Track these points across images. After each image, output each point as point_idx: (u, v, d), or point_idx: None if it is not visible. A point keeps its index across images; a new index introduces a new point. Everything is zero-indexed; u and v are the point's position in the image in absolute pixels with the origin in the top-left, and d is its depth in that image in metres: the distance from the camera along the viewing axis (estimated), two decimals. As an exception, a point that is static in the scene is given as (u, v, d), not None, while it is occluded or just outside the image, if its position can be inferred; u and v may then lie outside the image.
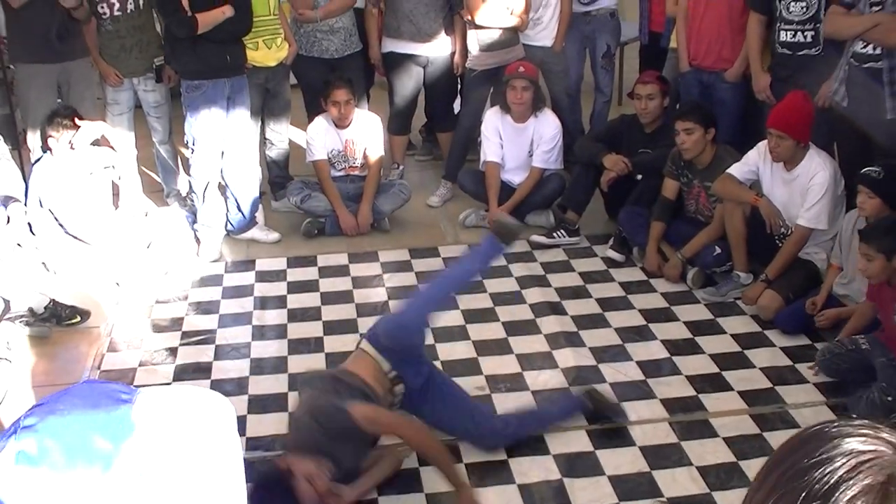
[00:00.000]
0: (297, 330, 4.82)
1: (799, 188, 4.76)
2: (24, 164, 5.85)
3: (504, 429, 3.83)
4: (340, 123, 5.88)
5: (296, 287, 5.28)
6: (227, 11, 5.30)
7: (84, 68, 5.81)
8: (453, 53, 6.39)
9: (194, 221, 5.78)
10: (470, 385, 4.22)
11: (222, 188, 5.83)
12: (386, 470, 3.63)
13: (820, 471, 0.87)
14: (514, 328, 4.77)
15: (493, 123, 5.98)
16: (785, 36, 5.14)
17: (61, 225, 5.21)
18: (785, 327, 4.64)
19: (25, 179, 5.34)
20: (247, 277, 5.43)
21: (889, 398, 3.80)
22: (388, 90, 6.66)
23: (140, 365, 4.53)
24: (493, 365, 4.44)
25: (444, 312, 4.83)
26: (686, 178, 5.29)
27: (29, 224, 5.23)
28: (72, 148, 5.16)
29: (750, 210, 4.90)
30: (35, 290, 4.85)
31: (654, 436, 3.89)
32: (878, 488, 0.85)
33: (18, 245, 5.19)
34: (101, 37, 5.75)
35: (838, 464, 0.87)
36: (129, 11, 5.68)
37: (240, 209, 5.80)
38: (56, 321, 4.80)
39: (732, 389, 4.21)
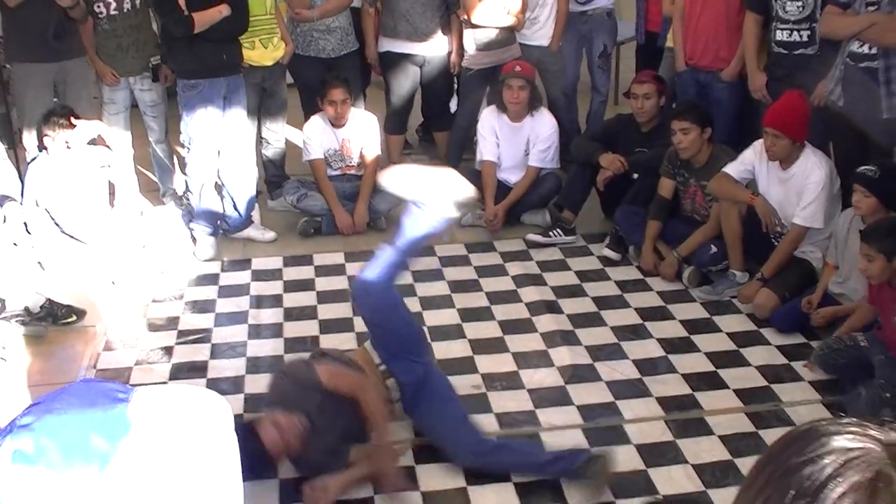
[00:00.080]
0: (294, 329, 4.82)
1: (795, 187, 4.77)
2: (20, 164, 5.85)
3: (480, 449, 3.68)
4: (337, 123, 5.88)
5: (292, 286, 5.29)
6: (223, 10, 5.30)
7: (80, 67, 5.81)
8: (450, 53, 6.39)
9: (190, 220, 5.78)
10: (466, 383, 4.23)
11: (218, 187, 5.83)
12: (377, 466, 3.63)
13: (808, 469, 0.88)
14: (510, 327, 4.78)
15: (490, 123, 5.99)
16: (781, 35, 5.15)
17: (57, 224, 5.21)
18: (780, 326, 4.65)
19: (21, 179, 5.35)
20: (243, 276, 5.43)
21: (888, 395, 3.81)
22: (385, 89, 6.66)
23: (136, 364, 4.53)
24: (490, 363, 4.45)
25: (440, 311, 4.86)
26: (682, 177, 5.30)
27: (25, 223, 5.24)
28: (68, 147, 5.16)
29: (746, 209, 4.91)
30: (31, 290, 4.85)
31: (649, 434, 3.90)
32: (866, 485, 0.86)
33: (14, 244, 5.20)
34: (97, 36, 5.74)
35: (826, 461, 0.88)
36: (125, 11, 5.68)
37: (236, 208, 5.80)
38: (52, 320, 4.80)
39: (728, 387, 4.22)
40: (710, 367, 4.38)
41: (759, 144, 4.87)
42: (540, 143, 5.90)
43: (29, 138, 5.67)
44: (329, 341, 4.66)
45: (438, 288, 5.19)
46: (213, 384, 4.25)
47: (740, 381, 4.26)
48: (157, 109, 6.00)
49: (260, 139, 6.22)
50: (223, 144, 5.64)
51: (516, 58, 6.08)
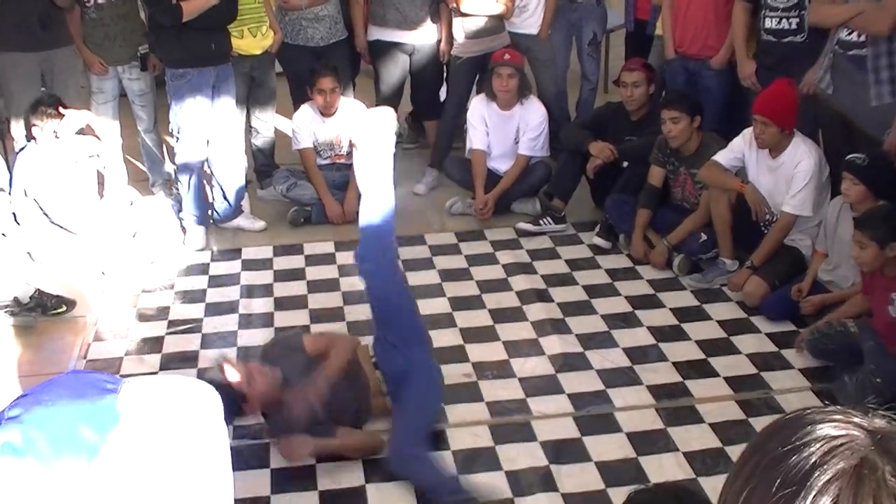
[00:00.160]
0: (284, 318, 4.82)
1: (784, 175, 4.78)
2: (8, 154, 5.82)
3: (416, 460, 3.60)
4: (326, 112, 5.86)
5: (282, 275, 5.28)
6: (211, -1, 5.28)
7: (68, 57, 5.77)
8: (439, 41, 6.38)
9: (180, 210, 5.76)
10: (457, 372, 4.24)
11: (208, 177, 5.81)
12: (358, 444, 3.71)
13: (794, 458, 0.89)
14: (500, 315, 4.78)
15: (479, 111, 5.98)
16: (770, 23, 5.14)
17: (46, 214, 5.18)
18: (770, 314, 4.67)
19: (10, 169, 5.32)
20: (233, 266, 5.42)
21: (878, 380, 3.83)
22: (374, 78, 6.64)
23: (126, 354, 4.52)
24: (480, 352, 4.45)
25: (431, 300, 4.86)
26: (672, 165, 5.30)
27: (14, 214, 5.21)
28: (56, 137, 5.13)
29: (735, 197, 4.92)
30: (20, 280, 4.84)
31: (640, 422, 3.91)
32: (851, 472, 0.87)
33: (3, 235, 5.17)
34: (84, 25, 5.71)
35: (812, 449, 0.89)
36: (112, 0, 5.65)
37: (225, 198, 5.79)
38: (41, 311, 4.79)
39: (718, 375, 4.24)
40: (700, 355, 4.39)
41: (748, 132, 4.88)
42: (529, 131, 5.89)
43: (17, 128, 5.64)
44: (319, 330, 4.65)
45: (429, 277, 5.19)
46: (204, 374, 4.25)
47: (730, 369, 4.27)
48: (145, 99, 5.97)
49: (249, 128, 6.21)
50: (212, 134, 5.62)
51: (505, 46, 6.07)
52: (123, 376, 4.17)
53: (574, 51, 6.65)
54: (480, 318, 4.77)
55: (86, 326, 4.76)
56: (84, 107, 5.62)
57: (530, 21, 6.28)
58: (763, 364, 4.31)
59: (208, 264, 5.45)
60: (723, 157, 4.96)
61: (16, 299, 4.77)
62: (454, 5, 6.10)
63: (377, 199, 3.86)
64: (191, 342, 4.62)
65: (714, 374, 4.25)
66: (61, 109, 5.14)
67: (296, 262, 5.45)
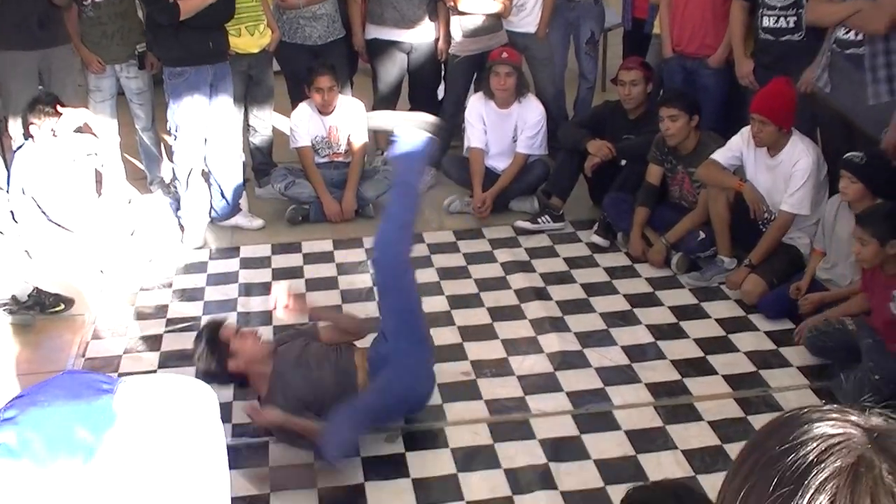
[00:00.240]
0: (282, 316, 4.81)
1: (782, 174, 4.78)
2: (5, 152, 5.82)
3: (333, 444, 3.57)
4: (324, 110, 5.86)
5: (280, 274, 5.27)
6: (209, -2, 5.27)
7: (66, 55, 5.77)
8: (437, 40, 6.37)
9: (178, 209, 5.76)
10: (456, 370, 4.25)
11: (206, 175, 5.81)
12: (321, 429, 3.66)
13: (791, 456, 0.89)
14: (499, 314, 4.78)
15: (477, 109, 5.98)
16: (768, 21, 5.14)
17: (44, 213, 5.18)
18: (768, 312, 4.66)
19: (7, 167, 5.32)
20: (231, 264, 5.42)
21: (877, 377, 3.83)
22: (372, 77, 6.64)
23: (125, 352, 4.52)
24: (479, 350, 4.45)
25: (430, 298, 4.85)
26: (670, 163, 5.30)
27: (12, 212, 5.21)
28: (54, 135, 5.13)
29: (734, 195, 4.92)
30: (18, 278, 4.83)
31: (639, 420, 3.91)
32: (848, 470, 0.87)
33: (1, 233, 5.17)
34: (82, 23, 5.70)
35: (809, 448, 0.89)
36: (110, -2, 5.65)
37: (224, 196, 5.78)
38: (40, 309, 4.78)
39: (717, 373, 4.23)
40: (698, 353, 4.39)
41: (746, 131, 4.88)
42: (527, 129, 5.89)
43: (14, 126, 5.63)
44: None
45: (427, 275, 5.18)
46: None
47: (729, 367, 4.27)
48: (143, 97, 5.97)
49: (247, 127, 6.20)
50: (210, 132, 5.62)
51: (503, 45, 6.07)
52: (121, 375, 4.18)
53: (572, 49, 6.65)
54: (479, 317, 4.77)
55: (84, 325, 4.75)
56: (82, 105, 5.62)
57: (528, 20, 6.28)
58: (761, 362, 4.31)
59: (206, 262, 5.44)
60: (721, 155, 4.96)
61: (14, 297, 4.76)
62: (452, 4, 6.10)
63: (405, 193, 4.08)
64: (189, 340, 4.59)
65: (712, 371, 4.25)
66: (59, 108, 5.14)
67: (294, 260, 5.45)
